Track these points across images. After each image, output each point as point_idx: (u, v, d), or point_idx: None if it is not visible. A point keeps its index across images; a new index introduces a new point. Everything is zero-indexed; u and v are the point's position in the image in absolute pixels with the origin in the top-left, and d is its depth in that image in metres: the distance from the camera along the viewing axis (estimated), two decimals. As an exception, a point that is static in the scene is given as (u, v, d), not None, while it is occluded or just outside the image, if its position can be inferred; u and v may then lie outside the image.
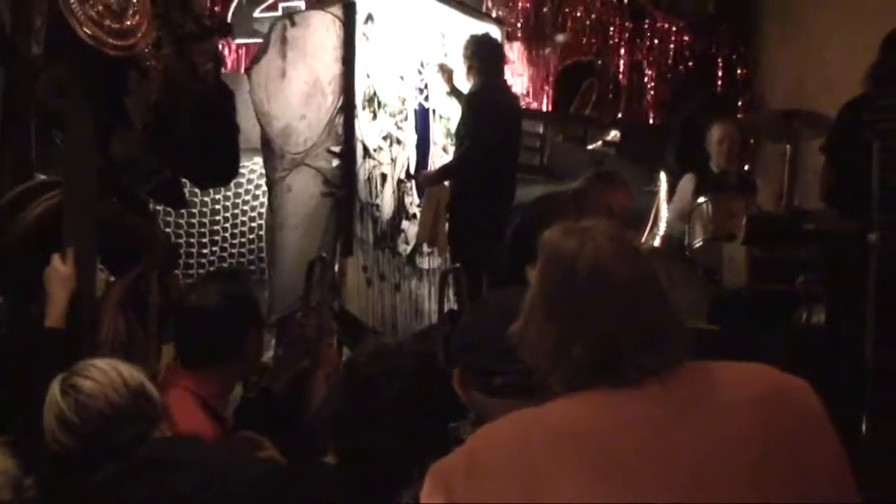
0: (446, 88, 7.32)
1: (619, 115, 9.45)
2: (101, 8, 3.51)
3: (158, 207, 6.00)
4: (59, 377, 2.73)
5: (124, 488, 2.60)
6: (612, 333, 1.68)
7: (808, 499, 1.61)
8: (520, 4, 9.44)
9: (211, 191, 7.28)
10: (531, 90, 9.44)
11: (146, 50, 3.77)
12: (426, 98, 7.36)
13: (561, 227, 1.81)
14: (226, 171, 4.54)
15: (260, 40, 6.51)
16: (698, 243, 6.63)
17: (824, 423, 1.69)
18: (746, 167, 8.33)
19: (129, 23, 3.62)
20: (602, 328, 1.68)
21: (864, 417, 4.13)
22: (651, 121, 9.59)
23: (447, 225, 6.94)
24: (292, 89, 6.25)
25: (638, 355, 1.67)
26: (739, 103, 9.32)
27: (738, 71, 9.48)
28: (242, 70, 7.38)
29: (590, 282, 1.71)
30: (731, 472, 1.58)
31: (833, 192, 4.96)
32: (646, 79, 9.65)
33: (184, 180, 4.59)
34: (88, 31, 3.50)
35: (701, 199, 6.65)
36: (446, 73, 7.28)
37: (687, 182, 7.36)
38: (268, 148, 6.29)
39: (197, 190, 6.95)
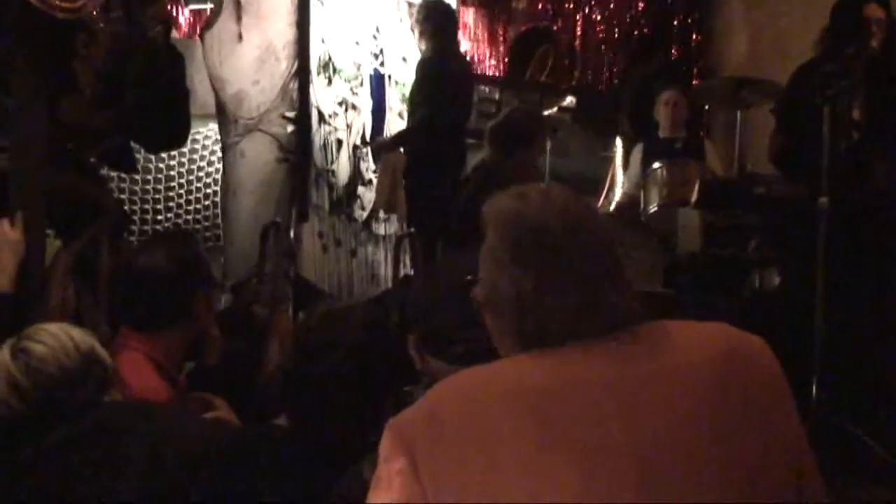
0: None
1: (575, 82, 9.45)
2: (48, -30, 3.47)
3: (112, 174, 5.97)
4: (10, 342, 2.71)
5: (75, 452, 2.58)
6: (567, 291, 1.67)
7: (765, 454, 1.61)
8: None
9: (165, 157, 7.25)
10: (487, 56, 9.43)
11: (94, 13, 3.73)
12: (381, 64, 7.35)
13: (513, 191, 1.80)
14: (176, 136, 4.49)
15: (212, 5, 6.47)
16: (653, 209, 6.64)
17: (780, 380, 1.70)
18: (701, 133, 8.37)
19: (76, -15, 3.57)
20: (556, 287, 1.68)
21: (814, 381, 4.17)
22: (607, 87, 9.59)
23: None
24: (245, 54, 6.23)
25: (593, 313, 1.67)
26: (695, 70, 9.36)
27: (694, 37, 9.51)
28: (196, 36, 7.35)
29: (559, 237, 1.70)
30: (689, 429, 1.58)
31: (782, 155, 4.98)
32: (601, 45, 9.66)
33: (134, 145, 4.55)
34: (36, -6, 3.46)
35: (656, 165, 6.66)
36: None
37: (637, 152, 7.41)
38: (221, 113, 6.28)
39: (152, 156, 6.92)
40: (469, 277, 1.85)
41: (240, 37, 6.22)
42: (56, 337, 2.70)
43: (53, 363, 2.65)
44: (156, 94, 3.97)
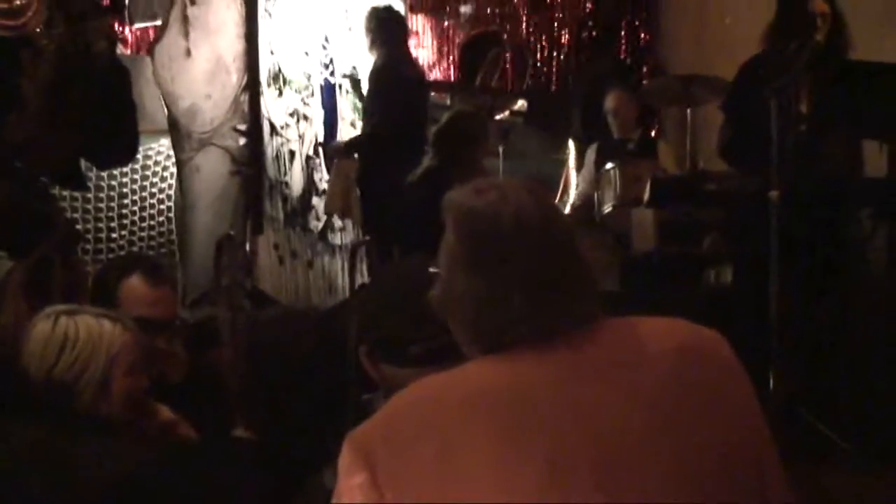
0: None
1: (525, 85, 9.47)
2: (-11, -13, 3.45)
3: (64, 193, 5.92)
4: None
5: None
6: (529, 288, 1.66)
7: (726, 445, 1.62)
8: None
9: (117, 174, 7.20)
10: (436, 62, 9.43)
11: (38, 29, 3.71)
12: (332, 73, 7.34)
13: (472, 185, 1.77)
14: (125, 152, 4.45)
15: (160, 22, 6.44)
16: (607, 209, 6.69)
17: (739, 371, 1.70)
18: (653, 132, 8.42)
19: (18, 2, 3.56)
20: (508, 290, 1.66)
21: (770, 373, 4.19)
22: (558, 89, 9.61)
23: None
24: (196, 68, 6.20)
25: (556, 310, 1.66)
26: (644, 69, 9.40)
27: (641, 36, 9.55)
28: (145, 51, 7.31)
29: (512, 236, 1.68)
30: (648, 419, 1.58)
31: (731, 148, 5.01)
32: (551, 47, 9.68)
33: (85, 163, 4.52)
34: (-23, 12, 3.44)
35: (609, 165, 6.71)
36: (354, 81, 7.31)
37: (591, 152, 7.45)
38: (174, 129, 6.24)
39: (103, 174, 6.88)
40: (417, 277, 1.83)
41: (188, 52, 6.19)
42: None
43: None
44: (102, 109, 3.94)
